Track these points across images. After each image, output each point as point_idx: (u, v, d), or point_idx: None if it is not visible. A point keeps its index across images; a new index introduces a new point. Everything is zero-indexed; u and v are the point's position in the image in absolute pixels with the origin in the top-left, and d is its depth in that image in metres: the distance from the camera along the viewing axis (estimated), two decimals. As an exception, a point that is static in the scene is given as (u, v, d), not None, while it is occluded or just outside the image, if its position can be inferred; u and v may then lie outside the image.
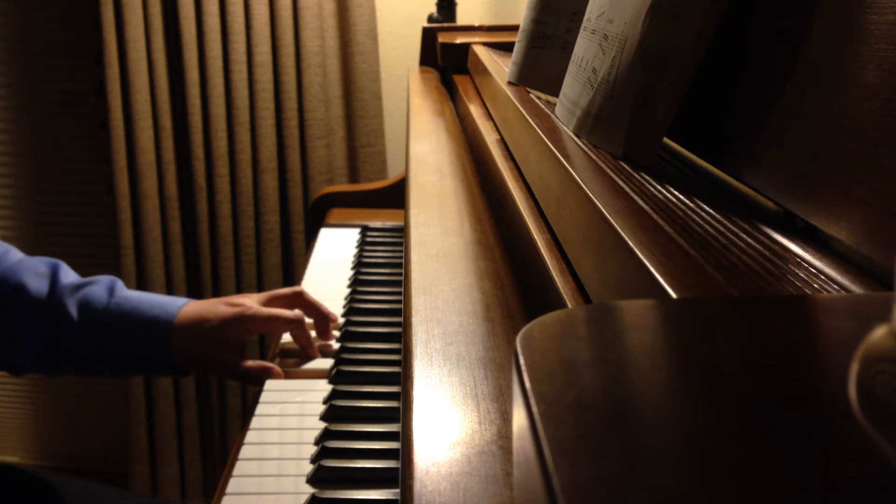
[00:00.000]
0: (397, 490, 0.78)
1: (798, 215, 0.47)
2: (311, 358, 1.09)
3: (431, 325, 0.67)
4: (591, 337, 0.30)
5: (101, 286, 1.09)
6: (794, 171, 0.49)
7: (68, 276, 1.10)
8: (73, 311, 1.07)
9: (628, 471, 0.21)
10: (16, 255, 1.13)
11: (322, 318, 1.13)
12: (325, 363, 1.09)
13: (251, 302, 1.10)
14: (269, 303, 1.11)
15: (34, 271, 1.09)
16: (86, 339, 1.07)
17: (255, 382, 1.08)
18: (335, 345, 1.11)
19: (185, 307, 1.08)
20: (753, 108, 0.56)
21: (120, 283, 1.11)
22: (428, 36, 1.85)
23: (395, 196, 1.71)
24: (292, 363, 1.10)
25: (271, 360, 1.10)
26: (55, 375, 1.16)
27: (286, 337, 1.14)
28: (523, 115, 0.85)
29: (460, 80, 1.55)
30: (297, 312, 1.09)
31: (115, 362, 1.09)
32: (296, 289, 1.14)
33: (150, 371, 1.15)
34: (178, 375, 1.14)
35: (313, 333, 1.13)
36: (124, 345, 1.07)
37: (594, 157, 0.66)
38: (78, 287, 1.08)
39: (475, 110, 1.26)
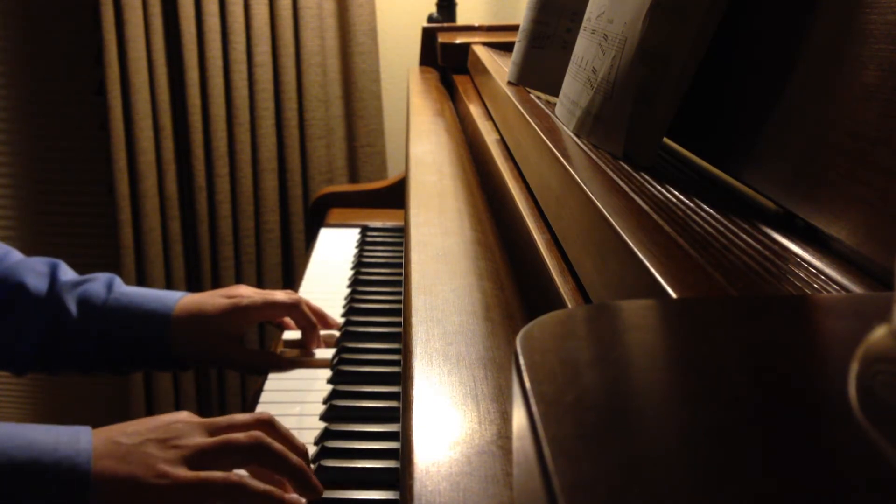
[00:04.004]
0: (397, 490, 0.78)
1: (798, 215, 0.47)
2: (311, 352, 1.09)
3: (431, 325, 0.67)
4: (592, 337, 0.30)
5: (99, 283, 1.09)
6: (794, 171, 0.49)
7: (67, 274, 1.11)
8: (73, 307, 1.07)
9: (628, 471, 0.21)
10: (15, 255, 1.14)
11: (312, 329, 1.11)
12: (328, 352, 1.09)
13: (247, 291, 1.10)
14: (266, 308, 1.09)
15: (34, 271, 1.10)
16: (85, 335, 1.07)
17: (257, 372, 1.08)
18: (332, 352, 1.11)
19: (182, 300, 1.09)
20: (753, 108, 0.56)
21: (118, 280, 1.11)
22: (428, 36, 1.85)
23: (395, 196, 1.71)
24: (295, 354, 1.10)
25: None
26: (57, 375, 1.17)
27: (287, 335, 1.14)
28: (523, 115, 0.85)
29: (460, 80, 1.55)
30: (295, 296, 1.09)
31: (115, 358, 1.09)
32: (294, 298, 1.10)
33: (150, 366, 1.15)
34: (178, 370, 1.14)
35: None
36: (123, 339, 1.07)
37: (594, 157, 0.66)
38: (76, 284, 1.09)
39: (475, 110, 1.26)
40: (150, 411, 2.23)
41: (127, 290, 1.10)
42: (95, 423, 0.81)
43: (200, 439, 0.78)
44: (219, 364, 1.19)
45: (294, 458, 0.78)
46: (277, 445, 0.78)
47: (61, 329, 1.07)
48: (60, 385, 2.51)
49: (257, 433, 0.78)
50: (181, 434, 0.78)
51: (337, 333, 1.13)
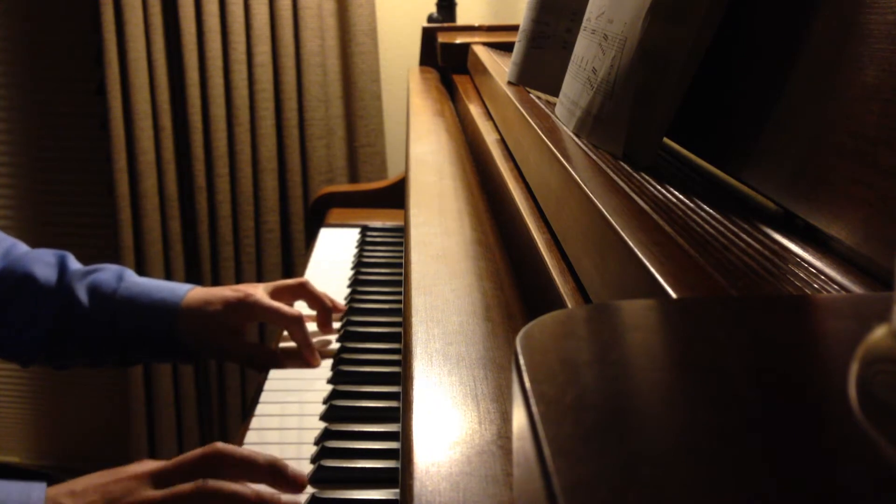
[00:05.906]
0: (397, 490, 0.78)
1: (798, 215, 0.47)
2: (308, 364, 1.08)
3: (431, 325, 0.67)
4: (591, 337, 0.30)
5: (109, 273, 1.11)
6: (793, 171, 0.49)
7: (75, 264, 1.13)
8: (83, 295, 1.09)
9: (628, 470, 0.21)
10: (22, 247, 1.16)
11: (325, 311, 1.14)
12: (330, 350, 1.09)
13: (257, 290, 1.11)
14: (275, 294, 1.13)
15: (42, 261, 1.12)
16: (95, 323, 1.09)
17: (257, 367, 1.09)
18: (335, 345, 1.11)
19: (191, 291, 1.11)
20: (753, 108, 0.56)
21: (129, 271, 1.13)
22: (428, 36, 1.85)
23: (395, 196, 1.71)
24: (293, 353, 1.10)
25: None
26: (63, 366, 1.17)
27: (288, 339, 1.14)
28: (523, 115, 0.85)
29: (460, 80, 1.55)
30: (298, 312, 1.10)
31: (122, 347, 1.10)
32: (300, 280, 1.16)
33: (156, 356, 1.16)
34: (183, 361, 1.15)
35: (312, 327, 1.13)
36: (132, 328, 1.09)
37: (594, 157, 0.66)
38: (86, 273, 1.11)
39: (475, 110, 1.26)
40: (150, 412, 2.23)
41: (138, 280, 1.12)
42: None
43: (147, 493, 0.78)
44: (219, 356, 1.20)
45: (248, 491, 0.77)
46: (227, 487, 0.76)
47: (71, 317, 1.09)
48: (61, 385, 2.51)
49: (201, 482, 0.76)
50: (128, 491, 0.77)
51: (336, 345, 1.12)
